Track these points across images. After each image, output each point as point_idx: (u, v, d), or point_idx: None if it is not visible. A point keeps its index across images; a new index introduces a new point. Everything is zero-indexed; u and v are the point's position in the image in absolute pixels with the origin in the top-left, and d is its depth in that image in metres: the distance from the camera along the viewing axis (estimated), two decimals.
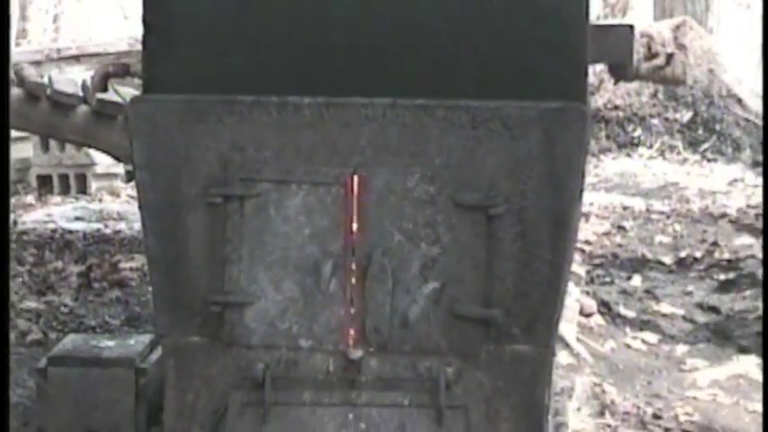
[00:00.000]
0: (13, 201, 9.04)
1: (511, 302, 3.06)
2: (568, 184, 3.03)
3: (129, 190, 9.46)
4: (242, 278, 3.09)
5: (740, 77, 13.11)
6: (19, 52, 12.35)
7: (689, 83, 11.37)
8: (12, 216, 8.55)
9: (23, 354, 5.27)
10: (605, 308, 6.05)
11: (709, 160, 11.01)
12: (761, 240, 7.52)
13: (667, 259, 7.32)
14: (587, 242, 7.57)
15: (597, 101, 11.65)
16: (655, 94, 11.90)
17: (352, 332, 3.10)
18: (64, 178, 9.75)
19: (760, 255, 7.20)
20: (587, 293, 6.11)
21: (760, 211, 8.52)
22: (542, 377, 3.13)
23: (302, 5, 3.09)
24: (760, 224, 8.06)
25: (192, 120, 3.06)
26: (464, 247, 3.05)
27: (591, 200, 8.88)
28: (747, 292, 6.47)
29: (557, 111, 3.01)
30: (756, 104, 12.14)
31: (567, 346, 5.18)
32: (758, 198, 9.06)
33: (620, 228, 8.20)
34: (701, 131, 11.53)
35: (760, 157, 10.74)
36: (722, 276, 6.81)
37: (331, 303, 3.09)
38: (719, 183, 9.99)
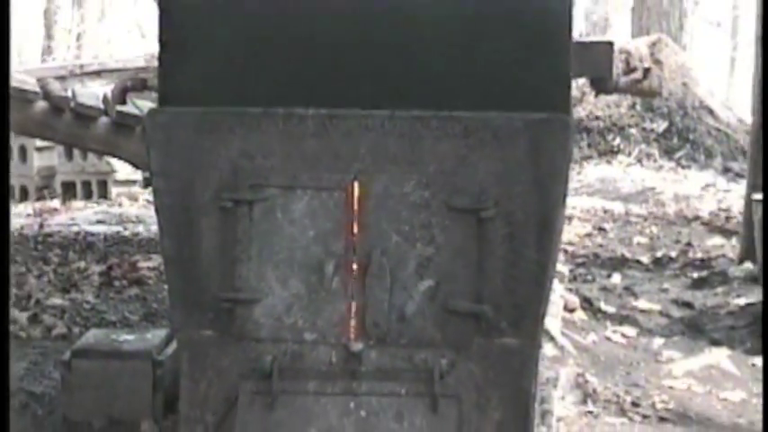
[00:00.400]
0: (38, 205, 9.07)
1: (500, 299, 3.06)
2: (553, 189, 3.04)
3: (147, 195, 9.45)
4: (251, 276, 3.10)
5: (711, 90, 13.12)
6: (44, 68, 12.35)
7: (664, 95, 11.36)
8: (38, 219, 8.56)
9: (49, 347, 5.27)
10: (587, 304, 6.05)
11: (683, 167, 11.01)
12: (731, 241, 7.53)
13: (645, 259, 7.32)
14: (570, 243, 7.57)
15: (580, 112, 11.65)
16: (633, 106, 11.90)
17: (353, 326, 3.10)
18: (86, 185, 9.76)
19: (730, 254, 7.20)
20: (571, 290, 6.11)
21: (730, 213, 8.53)
22: (529, 368, 3.13)
23: (307, 25, 3.09)
24: (730, 226, 8.07)
25: (204, 130, 3.07)
26: (457, 247, 3.05)
27: (574, 204, 8.88)
28: (719, 289, 6.47)
29: (542, 121, 3.01)
30: (726, 115, 12.15)
31: (552, 339, 5.19)
32: (729, 202, 9.07)
33: (601, 229, 8.20)
34: (675, 140, 11.53)
35: (730, 164, 10.75)
36: (695, 274, 6.82)
37: (333, 300, 3.10)
38: (693, 188, 9.99)
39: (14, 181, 9.79)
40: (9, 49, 3.94)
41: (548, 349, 4.99)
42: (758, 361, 5.28)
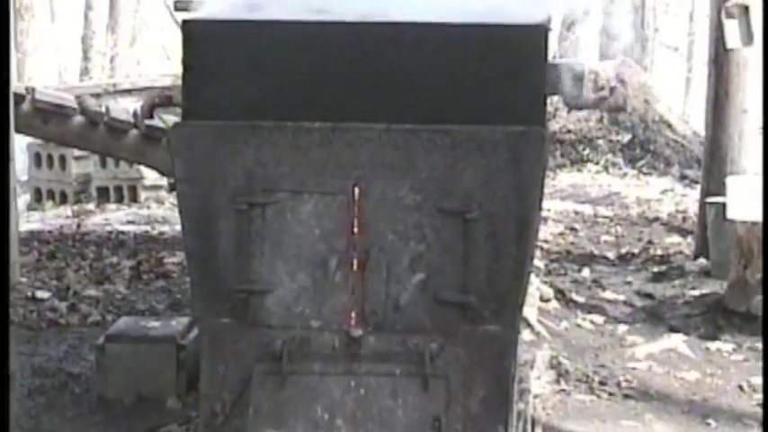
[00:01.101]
0: (76, 208, 9.06)
1: (483, 290, 3.06)
2: (530, 194, 3.03)
3: (172, 198, 9.45)
4: (263, 270, 3.09)
5: (670, 106, 13.11)
6: (82, 87, 12.36)
7: (628, 111, 11.34)
8: (76, 220, 8.56)
9: (85, 333, 5.27)
10: (560, 294, 6.05)
11: (644, 174, 11.01)
12: (687, 239, 7.52)
13: (611, 255, 7.32)
14: (545, 241, 7.56)
15: (554, 126, 11.64)
16: (600, 120, 11.90)
17: (353, 314, 3.09)
18: (118, 189, 9.75)
19: (686, 251, 7.20)
20: (546, 283, 6.10)
21: (687, 215, 8.53)
22: (509, 351, 3.13)
23: (312, 48, 3.09)
24: (686, 226, 8.07)
25: (222, 141, 3.06)
26: (445, 245, 3.05)
27: (548, 206, 8.87)
28: (676, 282, 6.47)
29: (520, 134, 3.01)
30: (683, 128, 12.16)
31: (530, 325, 5.19)
32: (685, 205, 9.07)
33: (572, 229, 8.20)
34: (638, 150, 11.53)
35: (686, 171, 10.75)
36: (655, 269, 6.82)
37: (336, 291, 3.09)
38: (653, 192, 9.99)
39: (55, 186, 9.79)
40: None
41: (525, 335, 4.99)
42: (711, 345, 5.29)
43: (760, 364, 5.04)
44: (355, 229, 3.07)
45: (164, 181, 9.34)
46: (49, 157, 9.77)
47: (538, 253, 6.19)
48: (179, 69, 3.11)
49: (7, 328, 2.93)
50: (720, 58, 6.94)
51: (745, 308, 5.71)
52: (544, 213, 7.75)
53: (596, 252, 7.40)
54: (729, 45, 6.81)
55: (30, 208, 9.42)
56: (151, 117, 3.63)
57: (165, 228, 8.15)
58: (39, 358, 4.92)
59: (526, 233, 3.06)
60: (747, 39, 6.81)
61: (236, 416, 3.16)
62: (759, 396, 4.61)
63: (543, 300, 5.85)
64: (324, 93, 3.08)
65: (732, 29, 6.79)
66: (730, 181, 6.04)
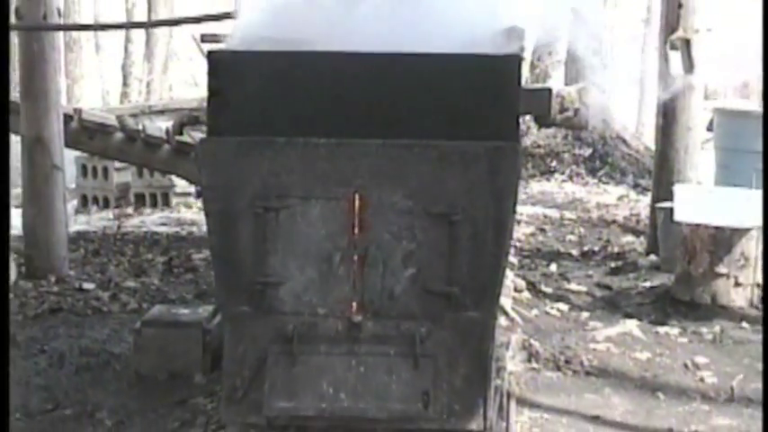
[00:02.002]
0: (117, 212, 9.05)
1: (466, 282, 3.05)
2: (506, 200, 3.03)
3: (199, 204, 9.45)
4: (277, 265, 3.09)
5: (625, 125, 13.09)
6: (122, 108, 12.35)
7: (589, 129, 11.36)
8: (116, 222, 8.54)
9: (125, 318, 5.26)
10: (531, 286, 6.04)
11: (603, 183, 10.98)
12: (640, 239, 7.52)
13: (575, 252, 7.31)
14: (519, 240, 7.55)
15: (526, 141, 11.64)
16: (566, 137, 11.87)
17: (354, 303, 3.09)
18: (153, 196, 9.73)
19: (639, 249, 7.19)
20: (519, 276, 6.10)
21: (639, 218, 8.52)
22: (488, 335, 3.13)
23: (319, 76, 3.08)
24: (639, 227, 8.05)
25: (242, 154, 3.06)
26: (433, 243, 3.05)
27: (521, 210, 8.86)
28: (630, 275, 6.46)
29: (498, 148, 3.00)
30: (636, 144, 12.14)
31: (505, 313, 5.17)
32: (638, 209, 9.05)
33: (542, 230, 8.19)
34: (597, 163, 11.50)
35: (639, 181, 10.74)
36: (613, 264, 6.81)
37: (339, 283, 3.09)
38: (611, 198, 9.98)
39: (98, 193, 9.77)
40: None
41: (502, 321, 4.98)
42: (660, 329, 5.28)
43: (702, 345, 5.06)
44: (356, 230, 3.06)
45: (192, 188, 9.33)
46: (94, 168, 9.75)
47: (512, 250, 6.20)
48: (205, 93, 3.11)
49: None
50: (667, 84, 6.93)
51: (689, 297, 5.71)
52: (518, 216, 7.76)
53: (562, 250, 7.39)
54: (674, 72, 6.82)
55: (77, 212, 9.40)
56: (181, 134, 3.64)
57: (193, 229, 8.14)
58: (85, 340, 4.91)
59: (502, 233, 3.06)
60: (689, 67, 6.83)
61: (254, 390, 3.15)
62: (701, 373, 4.61)
63: (517, 290, 5.84)
64: (329, 113, 3.08)
65: (676, 59, 6.81)
66: (677, 189, 6.03)
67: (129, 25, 17.50)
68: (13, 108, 6.92)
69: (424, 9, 3.15)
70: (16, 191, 7.25)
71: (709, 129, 7.55)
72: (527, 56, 3.24)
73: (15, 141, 6.48)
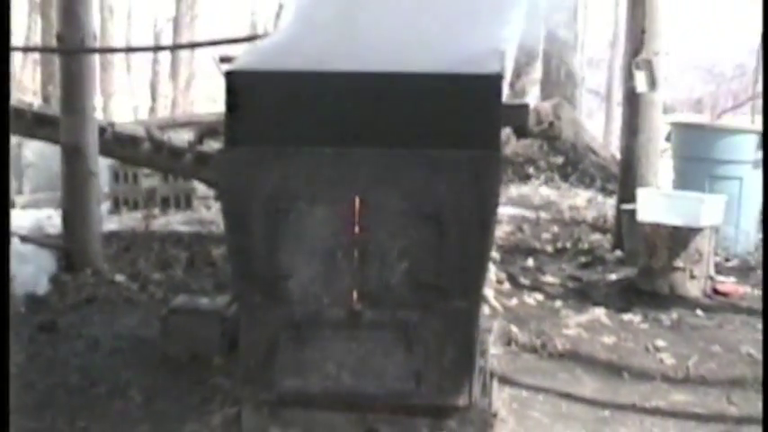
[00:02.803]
0: (145, 213, 9.02)
1: (453, 275, 3.04)
2: (489, 202, 3.02)
3: (217, 205, 9.44)
4: (287, 260, 3.07)
5: (594, 136, 13.09)
6: (150, 121, 12.34)
7: (562, 139, 11.36)
8: (145, 222, 8.53)
9: (152, 307, 5.25)
10: (511, 278, 6.04)
11: (574, 187, 10.97)
12: (606, 236, 7.51)
13: (549, 248, 7.31)
14: (500, 238, 7.55)
15: (507, 150, 11.64)
16: (541, 146, 11.87)
17: (355, 294, 3.08)
18: (177, 198, 9.70)
19: (606, 245, 7.19)
20: (500, 269, 6.10)
21: (606, 218, 8.50)
22: (473, 321, 3.12)
23: (324, 93, 3.08)
24: (607, 226, 8.04)
25: (256, 162, 3.05)
26: (424, 240, 3.04)
27: (502, 211, 8.85)
28: (598, 268, 6.46)
29: (482, 156, 3.00)
30: (604, 153, 12.14)
31: (488, 302, 5.17)
32: (605, 210, 9.03)
33: (520, 229, 8.18)
34: (569, 169, 11.48)
35: (607, 185, 10.73)
36: (583, 259, 6.80)
37: (342, 276, 3.08)
38: (581, 201, 9.97)
39: (129, 196, 9.72)
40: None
41: (485, 309, 4.98)
42: (624, 316, 5.28)
43: (661, 330, 5.05)
44: (356, 229, 3.06)
45: (211, 192, 9.32)
46: (125, 174, 9.71)
47: (494, 247, 6.21)
48: (222, 108, 3.11)
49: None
50: (631, 100, 6.94)
51: (650, 288, 5.72)
52: (499, 217, 7.77)
53: (538, 246, 7.38)
54: (638, 90, 6.83)
55: (110, 213, 9.36)
56: (201, 144, 3.62)
57: (212, 228, 8.12)
58: (117, 326, 4.91)
59: (486, 232, 3.05)
60: (652, 85, 6.84)
61: (266, 370, 3.15)
62: (660, 355, 4.61)
63: (498, 282, 5.84)
64: (332, 125, 3.07)
65: (640, 77, 6.81)
66: (639, 192, 6.03)
67: (156, 48, 17.50)
68: (53, 121, 6.92)
69: (416, 33, 3.14)
70: (57, 194, 7.26)
71: (668, 140, 7.54)
72: (507, 75, 3.23)
73: (56, 150, 6.50)
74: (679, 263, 5.68)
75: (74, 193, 6.07)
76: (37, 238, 6.65)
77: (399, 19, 3.24)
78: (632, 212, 6.14)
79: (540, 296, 5.69)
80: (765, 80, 6.19)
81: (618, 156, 8.59)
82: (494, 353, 4.35)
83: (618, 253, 6.76)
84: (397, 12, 3.27)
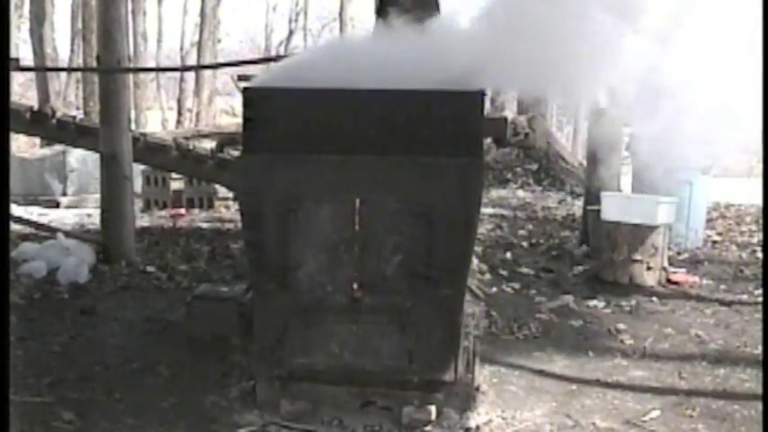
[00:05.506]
0: (172, 212, 8.99)
1: (442, 267, 3.05)
2: (473, 203, 3.03)
3: (236, 206, 9.42)
4: (296, 252, 3.08)
5: (564, 146, 13.09)
6: (177, 132, 12.32)
7: (537, 148, 11.35)
8: (172, 220, 8.50)
9: (179, 294, 5.23)
10: (491, 269, 6.04)
11: (547, 190, 10.98)
12: (575, 233, 7.51)
13: (525, 243, 7.30)
14: (482, 234, 7.54)
15: (488, 158, 11.64)
16: (518, 155, 11.87)
17: (355, 283, 3.09)
18: (201, 199, 9.69)
19: (574, 241, 7.18)
20: (482, 261, 6.09)
21: (575, 217, 8.51)
22: (458, 307, 3.12)
23: (330, 107, 3.07)
24: (574, 224, 8.05)
25: (269, 167, 3.05)
26: (416, 236, 3.04)
27: (484, 211, 8.87)
28: (567, 261, 6.45)
29: (467, 163, 3.00)
30: (572, 161, 12.15)
31: (471, 290, 5.17)
32: (573, 210, 9.04)
33: (499, 227, 8.18)
34: (542, 175, 11.49)
35: (575, 188, 10.73)
36: (554, 252, 6.80)
37: (344, 267, 3.08)
38: (553, 202, 9.97)
39: (158, 197, 9.69)
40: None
41: (468, 296, 4.97)
42: (590, 303, 5.27)
43: (622, 315, 5.05)
44: (357, 226, 3.06)
45: (230, 194, 9.30)
46: (155, 178, 9.69)
47: (477, 242, 6.21)
48: (240, 120, 3.10)
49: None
50: (594, 116, 6.93)
51: (612, 278, 5.72)
52: (481, 216, 7.77)
53: (515, 242, 7.38)
54: (601, 105, 6.80)
55: (142, 212, 9.35)
56: (222, 152, 3.62)
57: (231, 225, 8.11)
58: (148, 311, 4.89)
59: (470, 229, 3.05)
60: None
61: (278, 350, 3.15)
62: (621, 336, 4.61)
63: (480, 273, 5.83)
64: (336, 136, 3.07)
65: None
66: (603, 195, 6.04)
67: (183, 69, 17.46)
68: (94, 132, 6.91)
69: (410, 55, 3.14)
70: (96, 196, 7.23)
71: (627, 149, 7.54)
72: (489, 92, 3.22)
73: (96, 157, 6.48)
74: (637, 256, 5.69)
75: (111, 195, 6.07)
76: (79, 234, 6.65)
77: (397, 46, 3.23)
78: (597, 212, 6.14)
79: (516, 285, 5.69)
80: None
81: (584, 163, 8.58)
82: (476, 334, 4.34)
83: (584, 248, 6.76)
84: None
